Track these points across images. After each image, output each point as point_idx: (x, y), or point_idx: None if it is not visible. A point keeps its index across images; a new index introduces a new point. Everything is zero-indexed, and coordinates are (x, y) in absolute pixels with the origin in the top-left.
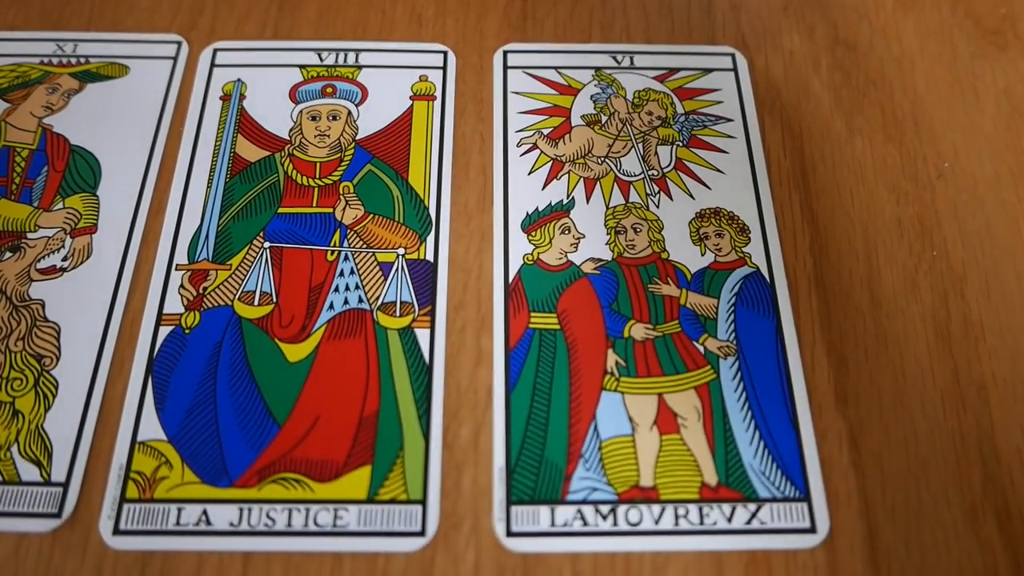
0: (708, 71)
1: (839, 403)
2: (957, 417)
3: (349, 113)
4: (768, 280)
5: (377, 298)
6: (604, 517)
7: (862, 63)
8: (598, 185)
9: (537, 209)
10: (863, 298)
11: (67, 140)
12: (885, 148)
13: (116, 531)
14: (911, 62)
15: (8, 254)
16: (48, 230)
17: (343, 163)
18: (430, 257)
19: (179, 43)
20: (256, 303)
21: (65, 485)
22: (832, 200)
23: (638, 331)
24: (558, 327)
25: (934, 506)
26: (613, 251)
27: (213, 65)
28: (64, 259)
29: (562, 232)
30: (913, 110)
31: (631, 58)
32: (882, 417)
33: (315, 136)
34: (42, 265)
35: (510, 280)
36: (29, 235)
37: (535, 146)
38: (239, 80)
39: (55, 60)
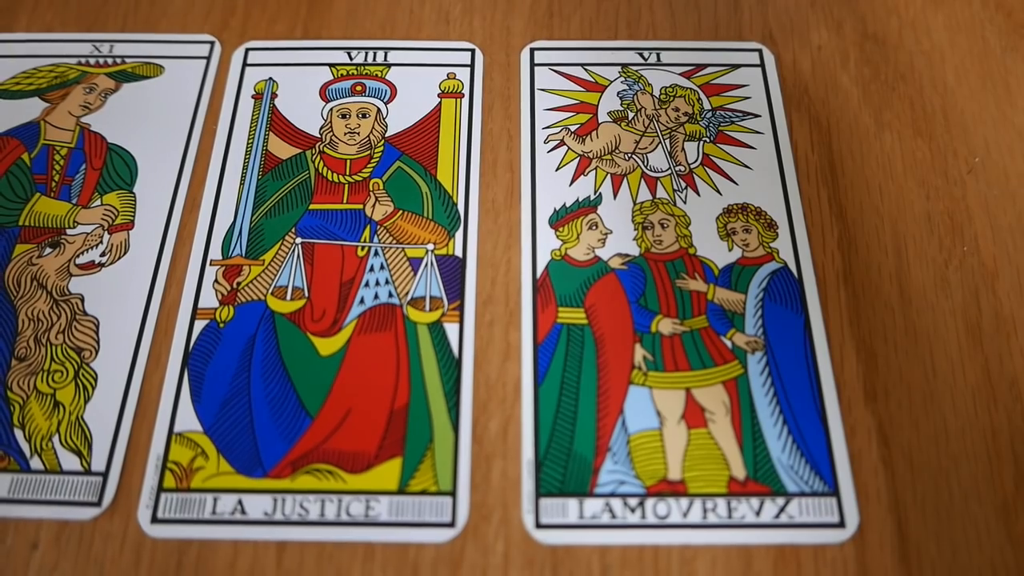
0: (735, 67)
1: (868, 399)
2: (989, 414)
3: (378, 111)
4: (796, 275)
5: (407, 293)
6: (632, 510)
7: (891, 58)
8: (625, 181)
9: (564, 205)
10: (892, 294)
11: (104, 139)
12: (915, 143)
13: (154, 519)
14: (941, 56)
15: (48, 250)
16: (87, 226)
17: (373, 160)
18: (459, 253)
19: (212, 43)
20: (288, 298)
21: (105, 474)
22: (861, 195)
23: (665, 326)
24: (586, 322)
25: (965, 503)
26: (640, 246)
27: (245, 64)
28: (102, 255)
29: (589, 228)
30: (943, 105)
31: (658, 54)
32: (912, 413)
33: (345, 133)
34: (81, 260)
35: (538, 275)
36: (68, 231)
37: (562, 142)
38: (270, 79)
39: (92, 60)
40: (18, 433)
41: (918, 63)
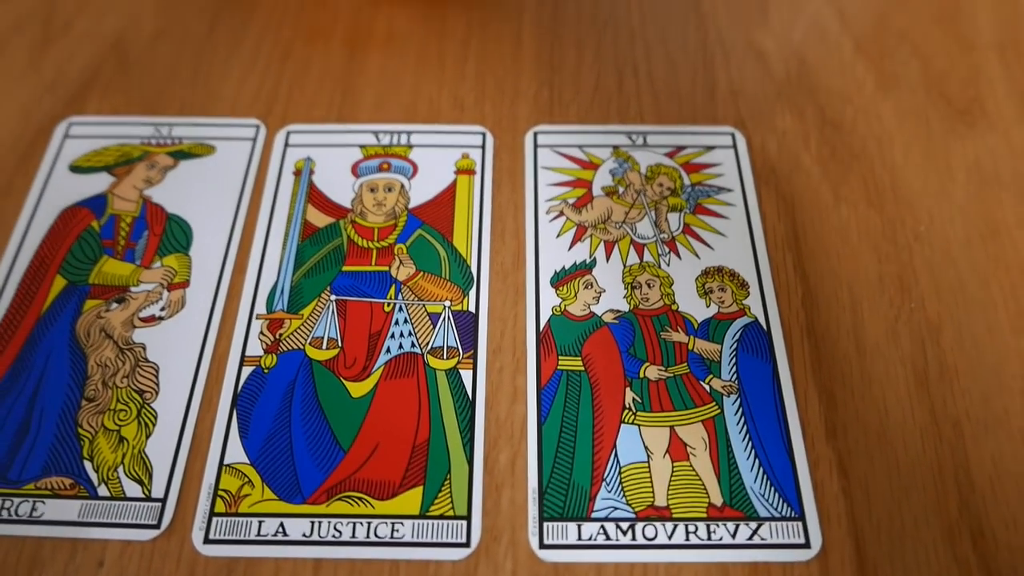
0: (711, 148)
1: (829, 436)
2: (935, 450)
3: (402, 185)
4: (765, 329)
5: (427, 343)
6: (624, 532)
7: (846, 140)
8: (616, 247)
9: (564, 267)
10: (849, 345)
11: (164, 209)
12: (868, 214)
13: (206, 540)
14: (890, 138)
15: (115, 304)
16: (148, 285)
17: (397, 228)
18: (472, 309)
19: (258, 126)
20: (324, 347)
21: (163, 501)
22: (821, 259)
23: (652, 372)
24: (583, 369)
25: (915, 527)
26: (630, 303)
27: (287, 145)
28: (162, 309)
29: (585, 287)
30: (892, 180)
31: (644, 137)
32: (868, 449)
33: (373, 205)
34: (143, 314)
35: (541, 328)
36: (132, 289)
37: (562, 213)
38: (309, 158)
39: (153, 141)
40: (87, 464)
41: (870, 145)
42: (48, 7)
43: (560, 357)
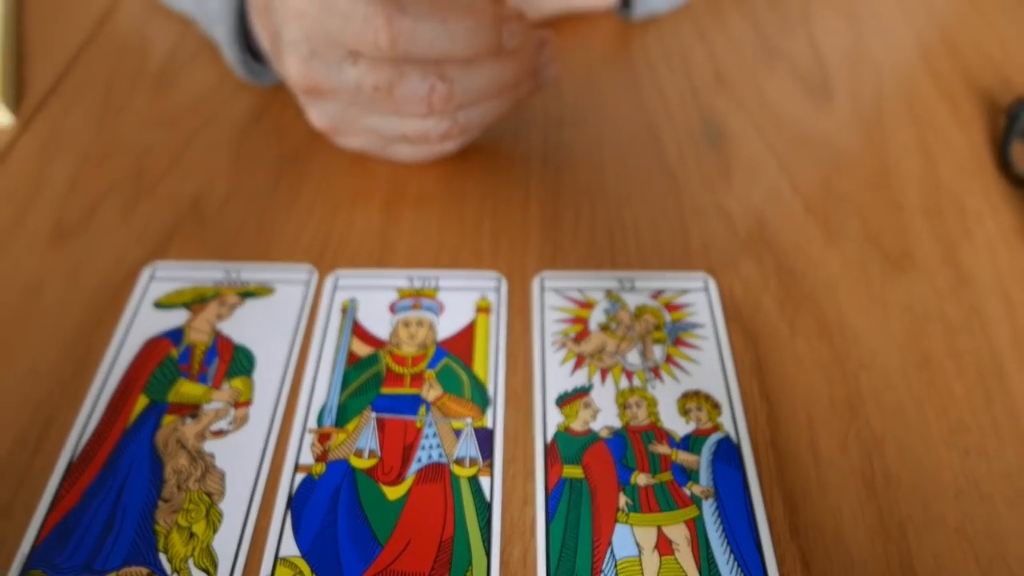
0: (687, 291)
1: (793, 535)
2: (883, 548)
3: (431, 322)
4: (736, 443)
5: (452, 454)
6: None
7: (799, 284)
8: (610, 373)
9: (566, 391)
10: (807, 457)
11: (232, 340)
12: (819, 346)
13: None
14: (836, 283)
15: (189, 420)
16: (218, 403)
17: (427, 357)
18: (490, 425)
19: (311, 271)
20: (365, 457)
21: None
22: (782, 385)
23: (642, 479)
24: (583, 476)
25: None
26: (622, 421)
27: (336, 288)
28: (229, 424)
29: (585, 407)
30: (839, 318)
31: (632, 282)
32: (826, 546)
33: (407, 338)
34: (213, 428)
35: (548, 442)
36: (204, 406)
37: (564, 345)
38: (353, 298)
39: (224, 283)
40: (162, 556)
41: (819, 289)
42: (138, 172)
43: (564, 466)
